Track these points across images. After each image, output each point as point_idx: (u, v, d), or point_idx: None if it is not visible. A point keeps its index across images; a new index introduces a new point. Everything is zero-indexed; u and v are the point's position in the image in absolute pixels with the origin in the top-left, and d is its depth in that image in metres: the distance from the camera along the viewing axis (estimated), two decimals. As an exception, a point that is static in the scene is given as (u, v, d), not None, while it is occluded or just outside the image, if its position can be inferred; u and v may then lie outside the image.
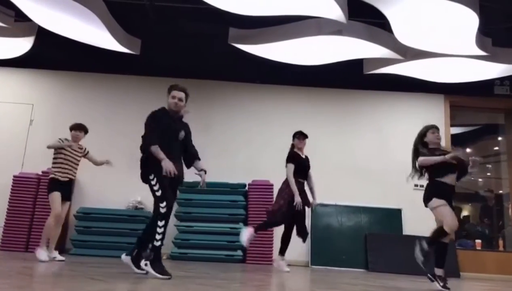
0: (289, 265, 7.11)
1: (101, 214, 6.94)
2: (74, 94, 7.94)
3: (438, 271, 4.18)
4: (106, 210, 7.01)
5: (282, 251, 5.71)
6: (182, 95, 4.08)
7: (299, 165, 5.68)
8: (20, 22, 6.45)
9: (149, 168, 3.81)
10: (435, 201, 4.18)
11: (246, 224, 7.05)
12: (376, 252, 7.12)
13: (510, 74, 6.73)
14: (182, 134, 4.02)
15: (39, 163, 7.26)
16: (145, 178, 3.88)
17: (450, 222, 4.07)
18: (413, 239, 7.22)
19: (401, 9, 5.02)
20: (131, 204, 7.19)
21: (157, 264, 3.59)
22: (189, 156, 4.12)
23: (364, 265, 7.09)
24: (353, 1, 4.94)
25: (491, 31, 5.92)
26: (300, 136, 5.80)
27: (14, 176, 7.11)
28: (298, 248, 7.21)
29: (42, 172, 7.12)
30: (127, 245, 6.80)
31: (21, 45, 6.80)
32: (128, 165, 7.26)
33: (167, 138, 3.86)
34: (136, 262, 3.87)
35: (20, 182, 7.04)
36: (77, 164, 5.53)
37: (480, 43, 5.59)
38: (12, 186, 7.04)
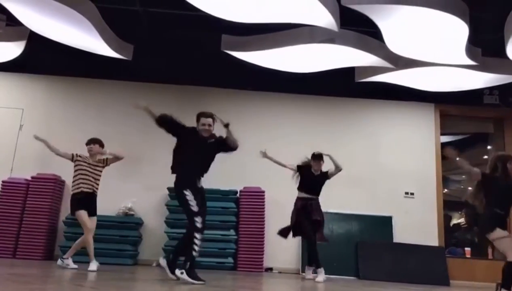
0: (279, 272, 7.12)
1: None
2: (65, 99, 7.88)
3: None
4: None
5: (309, 262, 5.97)
6: (210, 121, 4.41)
7: (306, 178, 5.97)
8: (11, 27, 6.42)
9: (183, 184, 4.17)
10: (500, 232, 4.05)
11: (237, 231, 7.03)
12: (367, 259, 7.13)
13: (499, 84, 6.82)
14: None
15: (29, 168, 7.19)
16: (180, 194, 4.16)
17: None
18: (403, 246, 7.32)
19: (392, 18, 5.07)
20: (121, 210, 7.13)
21: (192, 272, 3.95)
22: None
23: (355, 273, 7.09)
24: (345, 10, 4.98)
25: (481, 41, 5.99)
26: (313, 158, 6.04)
27: (3, 181, 7.02)
28: (289, 256, 7.22)
29: (32, 177, 7.05)
30: (117, 252, 6.76)
31: (12, 50, 6.76)
32: (119, 172, 7.24)
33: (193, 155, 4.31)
34: (171, 268, 4.19)
35: (9, 188, 6.95)
36: (98, 178, 5.41)
37: (470, 53, 5.66)
38: (1, 191, 6.95)
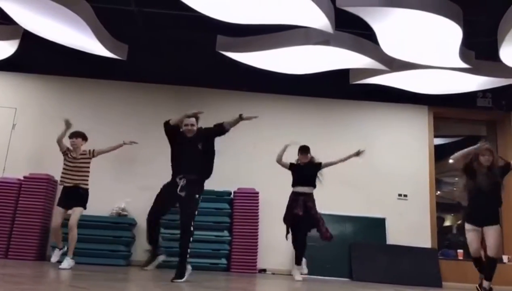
0: (273, 274, 7.12)
1: (84, 221, 6.80)
2: (58, 99, 7.84)
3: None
4: (88, 216, 6.87)
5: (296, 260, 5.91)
6: (192, 120, 4.56)
7: (296, 172, 6.01)
8: (5, 25, 6.37)
9: (201, 188, 4.44)
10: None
11: (231, 232, 7.03)
12: (360, 261, 7.15)
13: (492, 87, 6.87)
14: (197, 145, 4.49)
15: (21, 168, 7.14)
16: (193, 195, 4.34)
17: None
18: (397, 248, 7.35)
19: (387, 21, 5.09)
20: (114, 211, 7.11)
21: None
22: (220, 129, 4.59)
23: (348, 274, 7.11)
24: (340, 12, 5.00)
25: (474, 44, 6.03)
26: (299, 150, 6.05)
27: (-5, 181, 6.98)
28: (282, 257, 7.22)
29: (24, 177, 7.01)
30: (110, 252, 6.73)
31: (5, 48, 6.71)
32: (113, 172, 7.22)
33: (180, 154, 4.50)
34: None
35: (1, 188, 6.89)
36: (83, 171, 5.50)
37: (463, 56, 5.70)
38: (-7, 191, 6.90)
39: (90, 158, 5.59)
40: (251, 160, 7.68)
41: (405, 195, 7.83)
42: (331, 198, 7.55)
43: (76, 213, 5.43)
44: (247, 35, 6.07)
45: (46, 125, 7.60)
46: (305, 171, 5.99)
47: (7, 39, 6.48)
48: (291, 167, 6.10)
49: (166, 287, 3.64)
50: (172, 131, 4.52)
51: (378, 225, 7.58)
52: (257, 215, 7.12)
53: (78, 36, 5.97)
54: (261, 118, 8.05)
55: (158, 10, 6.37)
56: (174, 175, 4.45)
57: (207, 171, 4.57)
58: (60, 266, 5.12)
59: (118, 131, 7.62)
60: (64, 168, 5.54)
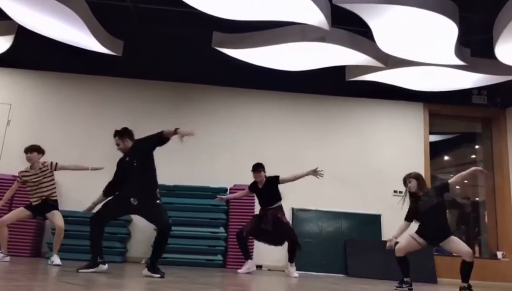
0: (269, 270, 7.14)
1: (79, 218, 6.81)
2: (53, 95, 7.80)
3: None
4: (84, 213, 6.88)
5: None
6: (116, 140, 4.51)
7: (256, 194, 6.13)
8: (-1, 20, 6.34)
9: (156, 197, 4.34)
10: None
11: (226, 228, 7.03)
12: (356, 257, 7.18)
13: (488, 84, 6.89)
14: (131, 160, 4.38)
15: (16, 164, 7.06)
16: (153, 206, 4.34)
17: None
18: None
19: (383, 18, 5.09)
20: (110, 207, 7.08)
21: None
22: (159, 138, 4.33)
23: (343, 270, 7.14)
24: (336, 9, 5.00)
25: (470, 42, 6.05)
26: (252, 169, 5.96)
27: (-10, 178, 6.94)
28: (277, 253, 7.23)
29: (19, 173, 6.96)
30: (105, 249, 6.67)
31: (0, 44, 6.67)
32: (107, 168, 7.18)
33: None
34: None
35: (-5, 184, 6.87)
36: (47, 183, 5.36)
37: (459, 53, 5.71)
38: (-13, 187, 6.86)
39: (51, 171, 5.39)
40: (247, 157, 7.67)
41: (401, 192, 7.75)
42: (327, 195, 7.59)
43: (58, 217, 5.36)
44: (243, 31, 6.06)
45: (41, 121, 7.57)
46: (263, 191, 5.97)
47: (2, 35, 6.44)
48: (251, 189, 6.10)
49: (162, 282, 3.64)
50: (119, 164, 4.53)
51: (373, 221, 7.61)
52: (253, 212, 7.11)
53: (73, 32, 5.94)
54: (257, 115, 8.13)
55: (154, 6, 6.35)
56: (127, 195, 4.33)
57: (151, 187, 4.35)
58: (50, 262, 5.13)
59: (113, 127, 7.57)
60: (28, 191, 5.42)
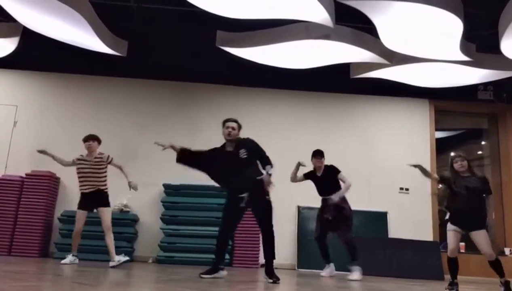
0: (275, 268, 7.12)
1: (87, 218, 6.85)
2: (59, 95, 7.84)
3: None
4: (91, 213, 6.93)
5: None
6: (234, 124, 4.58)
7: (314, 183, 5.89)
8: (4, 23, 6.37)
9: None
10: None
11: (232, 227, 7.03)
12: (362, 254, 7.14)
13: (494, 80, 6.85)
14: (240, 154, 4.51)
15: (23, 165, 7.16)
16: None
17: None
18: (398, 241, 7.36)
19: (387, 14, 5.08)
20: (117, 207, 7.12)
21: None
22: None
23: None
24: (340, 6, 4.99)
25: (475, 37, 6.02)
26: (312, 155, 5.86)
27: (-3, 179, 6.99)
28: (285, 252, 7.23)
29: (26, 174, 7.03)
30: (112, 249, 6.74)
31: (5, 46, 6.71)
32: (114, 168, 7.21)
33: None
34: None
35: (3, 185, 6.93)
36: (100, 174, 5.38)
37: (464, 49, 5.68)
38: (-5, 188, 6.92)
39: (105, 163, 5.41)
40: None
41: (407, 189, 7.83)
42: (332, 192, 7.55)
43: (106, 214, 5.36)
44: (247, 30, 6.06)
45: (47, 122, 7.61)
46: (323, 180, 5.83)
47: (7, 37, 6.48)
48: (308, 177, 5.93)
49: (169, 281, 3.66)
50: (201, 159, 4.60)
51: (380, 218, 7.59)
52: (259, 210, 7.12)
53: (78, 33, 5.97)
54: (261, 113, 8.12)
55: (157, 6, 6.36)
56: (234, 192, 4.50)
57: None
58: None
59: (118, 127, 7.64)
60: (79, 176, 5.39)
